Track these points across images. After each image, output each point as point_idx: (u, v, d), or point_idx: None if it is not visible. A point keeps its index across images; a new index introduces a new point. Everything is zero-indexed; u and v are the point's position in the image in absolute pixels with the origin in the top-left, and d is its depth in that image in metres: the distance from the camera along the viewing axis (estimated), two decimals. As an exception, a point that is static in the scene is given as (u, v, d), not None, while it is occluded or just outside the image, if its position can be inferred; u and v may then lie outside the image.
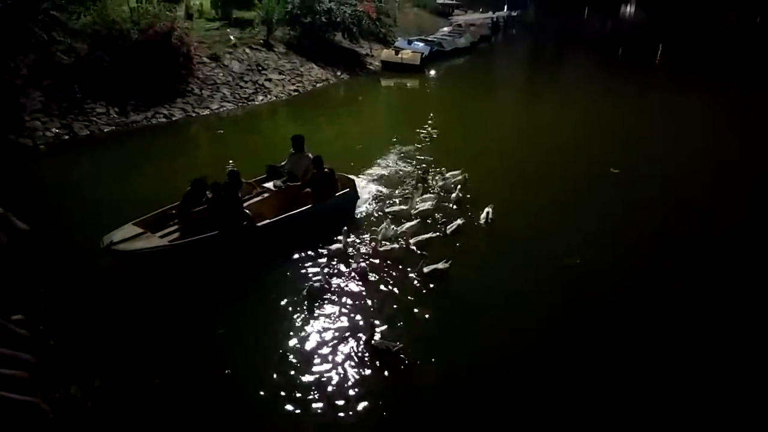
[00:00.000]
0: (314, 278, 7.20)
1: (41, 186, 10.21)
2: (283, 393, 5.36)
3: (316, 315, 6.58)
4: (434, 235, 8.50)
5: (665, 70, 27.54)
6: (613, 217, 9.88)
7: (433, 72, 24.19)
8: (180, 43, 15.37)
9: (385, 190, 10.36)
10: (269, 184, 8.92)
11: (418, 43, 25.97)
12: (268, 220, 7.93)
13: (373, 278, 7.37)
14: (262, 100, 16.90)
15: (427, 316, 6.70)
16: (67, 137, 12.19)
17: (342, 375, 5.64)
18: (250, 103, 16.46)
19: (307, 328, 6.32)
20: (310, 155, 8.97)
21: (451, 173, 10.68)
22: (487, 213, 9.08)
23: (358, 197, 9.42)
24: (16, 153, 11.08)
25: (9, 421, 0.80)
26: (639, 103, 19.55)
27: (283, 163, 9.21)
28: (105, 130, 12.86)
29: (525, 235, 8.96)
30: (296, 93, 18.22)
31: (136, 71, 14.21)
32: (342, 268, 7.63)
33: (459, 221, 8.88)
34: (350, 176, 9.56)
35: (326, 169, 8.72)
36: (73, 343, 5.70)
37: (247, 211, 7.73)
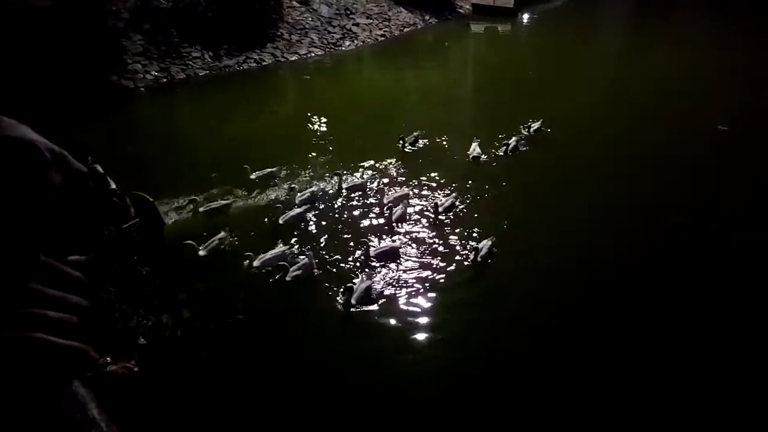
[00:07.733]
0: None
1: (142, 126, 10.82)
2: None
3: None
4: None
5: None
6: (719, 178, 8.97)
7: (527, 16, 22.76)
8: (271, -14, 15.44)
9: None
10: None
11: (513, -16, 24.40)
12: None
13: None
14: (348, 45, 16.73)
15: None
16: (165, 80, 12.76)
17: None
18: (337, 48, 16.34)
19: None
20: (98, 167, 5.98)
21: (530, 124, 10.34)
22: (486, 247, 6.65)
23: (163, 223, 7.06)
24: (118, 94, 11.76)
25: (53, 366, 0.77)
26: (757, 54, 17.28)
27: None
28: (200, 74, 13.32)
29: (622, 188, 8.52)
30: (383, 38, 17.86)
31: (229, 15, 14.48)
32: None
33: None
34: (147, 197, 6.75)
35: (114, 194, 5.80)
36: (162, 276, 6.09)
37: None
